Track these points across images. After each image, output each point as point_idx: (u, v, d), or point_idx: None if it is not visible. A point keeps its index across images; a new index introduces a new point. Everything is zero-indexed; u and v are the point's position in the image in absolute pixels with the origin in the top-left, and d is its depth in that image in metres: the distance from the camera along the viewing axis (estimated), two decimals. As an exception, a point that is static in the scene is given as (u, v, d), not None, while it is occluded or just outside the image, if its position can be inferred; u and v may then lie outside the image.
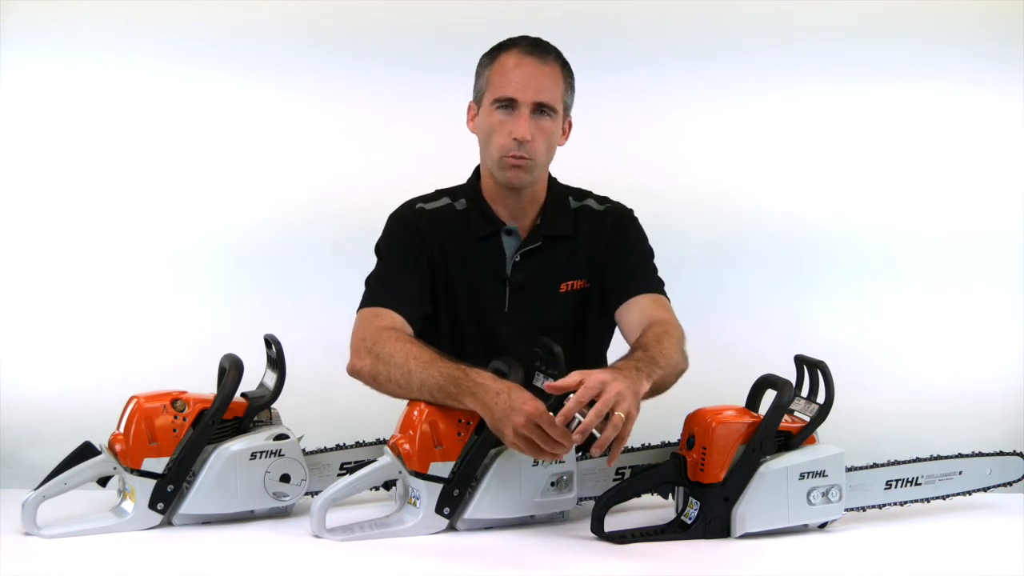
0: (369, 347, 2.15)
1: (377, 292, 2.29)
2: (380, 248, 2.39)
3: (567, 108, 2.36)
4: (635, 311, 2.32)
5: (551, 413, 1.86)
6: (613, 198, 2.49)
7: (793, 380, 1.98)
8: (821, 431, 1.96)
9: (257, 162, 3.34)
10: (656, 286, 2.39)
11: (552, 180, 2.45)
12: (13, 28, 3.25)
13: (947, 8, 3.32)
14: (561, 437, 1.86)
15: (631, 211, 2.47)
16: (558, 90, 2.32)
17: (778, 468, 1.91)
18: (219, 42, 3.30)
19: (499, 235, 2.37)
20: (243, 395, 2.04)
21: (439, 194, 2.45)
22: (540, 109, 2.29)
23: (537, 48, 2.32)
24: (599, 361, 2.45)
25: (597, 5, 3.30)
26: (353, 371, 2.19)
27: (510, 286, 2.35)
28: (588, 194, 2.48)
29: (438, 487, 1.92)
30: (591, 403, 1.85)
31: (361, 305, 2.28)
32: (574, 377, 1.88)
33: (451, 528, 1.95)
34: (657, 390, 2.11)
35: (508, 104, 2.28)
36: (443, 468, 1.92)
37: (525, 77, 2.28)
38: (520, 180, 2.32)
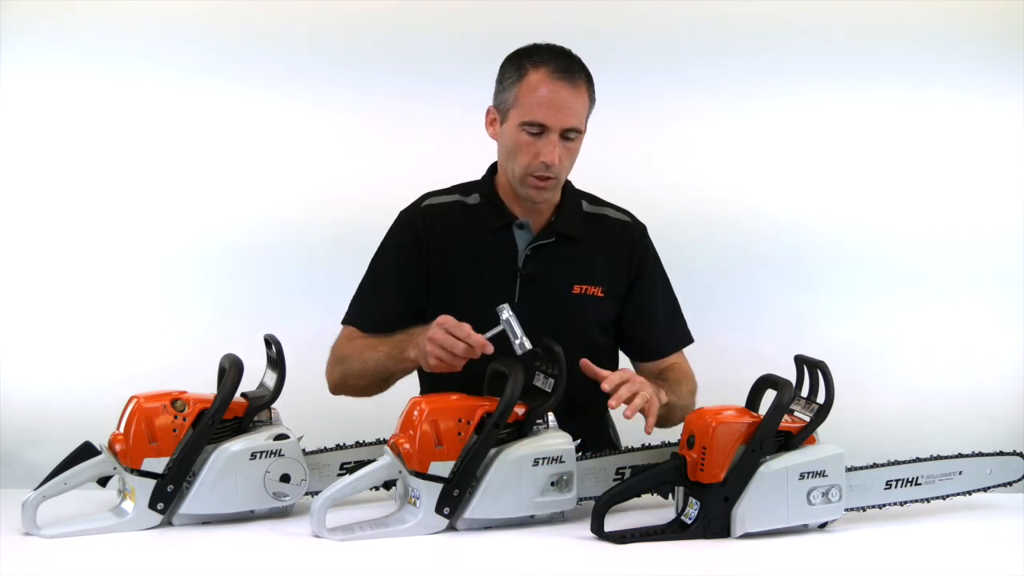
0: (336, 359, 2.40)
1: (354, 311, 2.45)
2: (374, 258, 2.48)
3: (587, 119, 2.37)
4: (662, 363, 2.49)
5: None
6: (619, 204, 2.51)
7: (793, 380, 1.98)
8: (821, 431, 1.96)
9: (257, 164, 3.34)
10: (684, 341, 2.52)
11: (567, 182, 2.46)
12: (12, 32, 3.25)
13: (950, 14, 3.33)
14: (465, 335, 2.05)
15: (646, 228, 2.52)
16: (584, 112, 2.33)
17: (778, 468, 1.91)
18: (219, 47, 3.31)
19: (511, 228, 2.39)
20: (243, 395, 2.04)
21: (452, 190, 2.49)
22: (567, 134, 2.29)
23: (567, 72, 2.29)
24: (612, 366, 2.48)
25: (602, 10, 3.30)
26: (332, 387, 2.43)
27: (521, 278, 2.36)
28: (605, 203, 2.50)
29: (438, 487, 1.92)
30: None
31: (345, 317, 2.46)
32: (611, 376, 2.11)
33: (451, 528, 1.95)
34: (664, 420, 2.29)
35: (538, 130, 2.28)
36: (443, 468, 1.92)
37: (557, 103, 2.27)
38: (543, 198, 2.36)
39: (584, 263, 2.41)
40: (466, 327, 2.07)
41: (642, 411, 2.08)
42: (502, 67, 2.37)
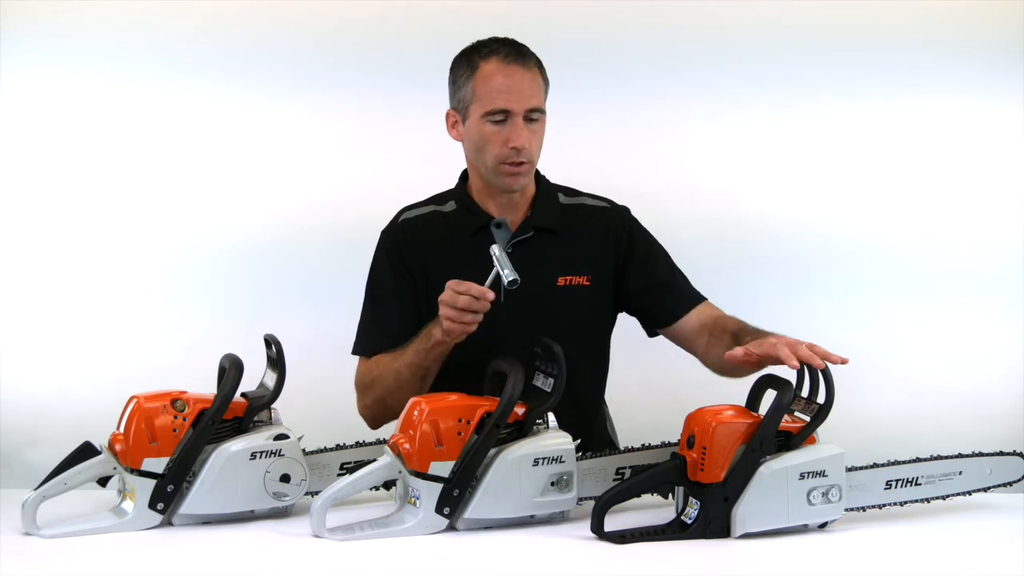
0: (365, 388, 2.40)
1: (364, 342, 2.46)
2: (368, 283, 2.49)
3: (545, 100, 2.40)
4: (693, 320, 2.42)
5: None
6: (609, 196, 2.51)
7: (793, 380, 1.98)
8: (821, 431, 1.96)
9: (256, 166, 3.34)
10: (697, 296, 2.46)
11: (540, 176, 2.47)
12: (14, 35, 3.25)
13: (951, 16, 3.32)
14: (465, 288, 2.11)
15: (628, 209, 2.49)
16: (542, 92, 2.37)
17: (778, 468, 1.91)
18: (217, 51, 3.31)
19: (488, 229, 2.39)
20: (243, 395, 2.04)
21: (427, 201, 2.52)
22: (531, 115, 2.31)
23: (518, 55, 2.34)
24: (603, 356, 2.50)
25: (600, 12, 3.30)
26: (371, 420, 2.42)
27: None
28: (581, 193, 2.51)
29: (438, 487, 1.92)
30: None
31: (354, 350, 2.46)
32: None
33: (451, 528, 1.95)
34: None
35: (502, 117, 2.29)
36: (443, 468, 1.92)
37: (514, 87, 2.31)
38: (519, 184, 2.37)
39: (566, 254, 2.42)
40: (468, 283, 2.12)
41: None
42: (452, 68, 2.42)
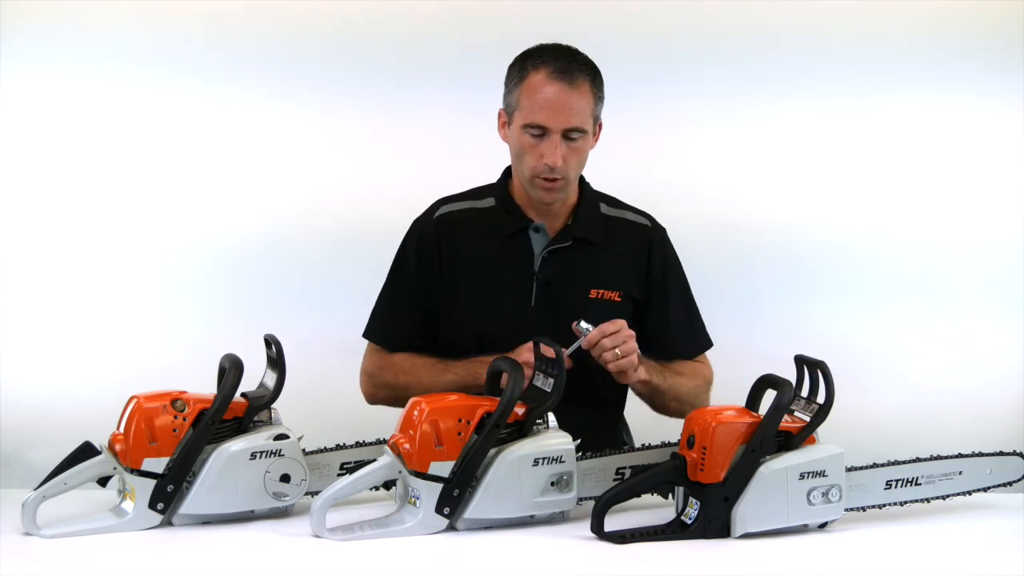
0: (380, 384, 2.44)
1: (377, 328, 2.47)
2: (392, 269, 2.48)
3: (596, 118, 2.35)
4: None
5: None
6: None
7: (793, 380, 1.98)
8: (821, 431, 1.96)
9: (256, 166, 3.34)
10: (701, 347, 2.50)
11: (584, 184, 2.45)
12: (14, 35, 3.25)
13: (951, 17, 3.32)
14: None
15: (665, 231, 2.50)
16: (588, 109, 2.30)
17: (778, 468, 1.91)
18: (217, 51, 3.30)
19: (526, 232, 2.38)
20: (243, 395, 2.04)
21: (465, 195, 2.48)
22: (570, 134, 2.28)
23: (566, 72, 2.28)
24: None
25: (600, 12, 3.30)
26: (373, 400, 2.47)
27: (537, 282, 2.36)
28: (624, 205, 2.49)
29: (438, 487, 1.92)
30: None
31: (366, 331, 2.46)
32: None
33: (451, 528, 1.95)
34: (650, 402, 2.36)
35: (539, 132, 2.27)
36: (443, 468, 1.92)
37: (555, 104, 2.26)
38: (552, 199, 2.35)
39: (601, 267, 2.40)
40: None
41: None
42: (508, 69, 2.38)
